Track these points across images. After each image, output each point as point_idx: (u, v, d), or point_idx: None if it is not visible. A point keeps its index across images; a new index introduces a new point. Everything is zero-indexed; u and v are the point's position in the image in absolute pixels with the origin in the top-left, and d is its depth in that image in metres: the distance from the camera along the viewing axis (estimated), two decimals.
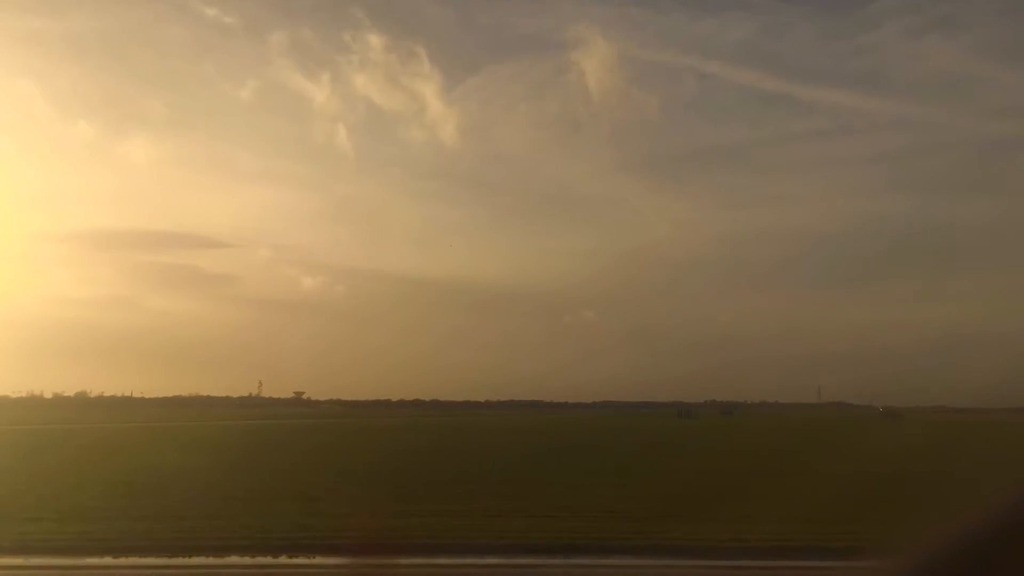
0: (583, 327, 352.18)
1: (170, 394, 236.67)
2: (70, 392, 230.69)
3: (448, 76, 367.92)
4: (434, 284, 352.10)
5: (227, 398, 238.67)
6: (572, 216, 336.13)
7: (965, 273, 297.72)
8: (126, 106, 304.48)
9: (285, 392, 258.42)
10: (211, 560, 17.00)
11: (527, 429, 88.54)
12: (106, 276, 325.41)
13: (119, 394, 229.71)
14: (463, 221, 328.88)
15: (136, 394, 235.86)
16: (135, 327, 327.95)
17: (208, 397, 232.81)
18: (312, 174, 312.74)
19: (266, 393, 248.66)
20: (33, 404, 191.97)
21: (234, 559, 17.10)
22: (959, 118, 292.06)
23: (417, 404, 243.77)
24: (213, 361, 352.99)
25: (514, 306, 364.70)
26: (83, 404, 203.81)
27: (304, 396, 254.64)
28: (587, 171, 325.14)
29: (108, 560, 17.01)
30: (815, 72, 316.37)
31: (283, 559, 17.12)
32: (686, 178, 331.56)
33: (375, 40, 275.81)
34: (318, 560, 17.05)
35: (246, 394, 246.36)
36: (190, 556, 17.23)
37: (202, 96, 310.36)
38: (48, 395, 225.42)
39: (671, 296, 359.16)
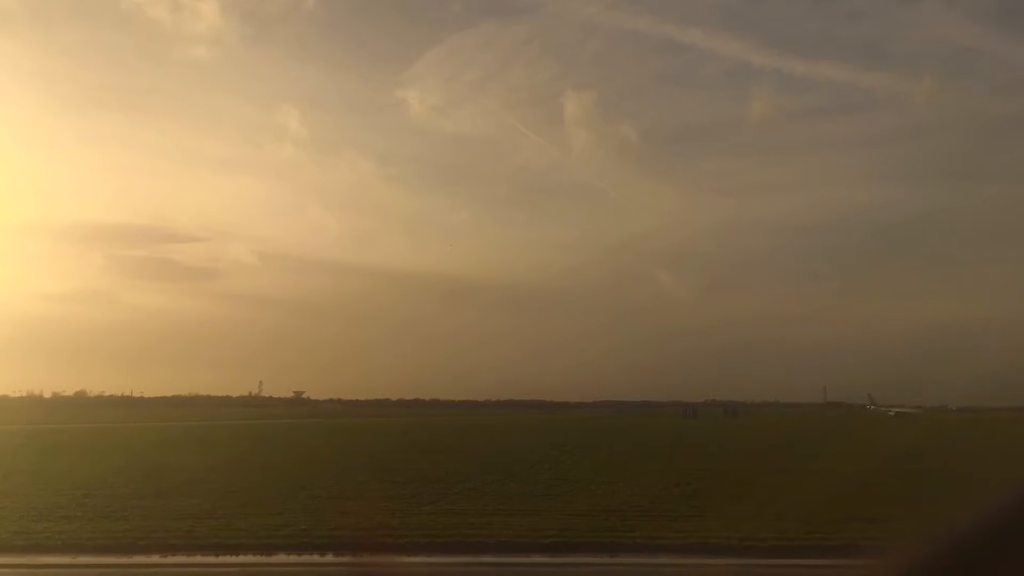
0: (581, 324, 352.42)
1: (169, 393, 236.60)
2: (69, 391, 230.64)
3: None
4: (423, 278, 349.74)
5: (227, 397, 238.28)
6: (556, 205, 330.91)
7: (968, 267, 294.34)
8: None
9: (285, 392, 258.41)
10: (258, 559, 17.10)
11: (539, 428, 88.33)
12: (82, 271, 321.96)
13: (118, 393, 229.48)
14: (451, 212, 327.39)
15: (136, 393, 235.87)
16: (119, 323, 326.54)
17: (208, 397, 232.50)
18: (283, 164, 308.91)
19: (266, 392, 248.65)
20: (34, 404, 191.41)
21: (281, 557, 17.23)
22: (960, 95, 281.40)
23: (417, 403, 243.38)
24: (211, 360, 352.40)
25: (514, 303, 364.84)
26: (84, 404, 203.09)
27: (304, 395, 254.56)
28: (566, 157, 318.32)
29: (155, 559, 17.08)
30: (803, 42, 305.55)
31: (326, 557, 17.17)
32: (671, 162, 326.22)
33: None
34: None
35: (246, 393, 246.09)
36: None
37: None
38: (47, 395, 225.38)
39: (666, 290, 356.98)
